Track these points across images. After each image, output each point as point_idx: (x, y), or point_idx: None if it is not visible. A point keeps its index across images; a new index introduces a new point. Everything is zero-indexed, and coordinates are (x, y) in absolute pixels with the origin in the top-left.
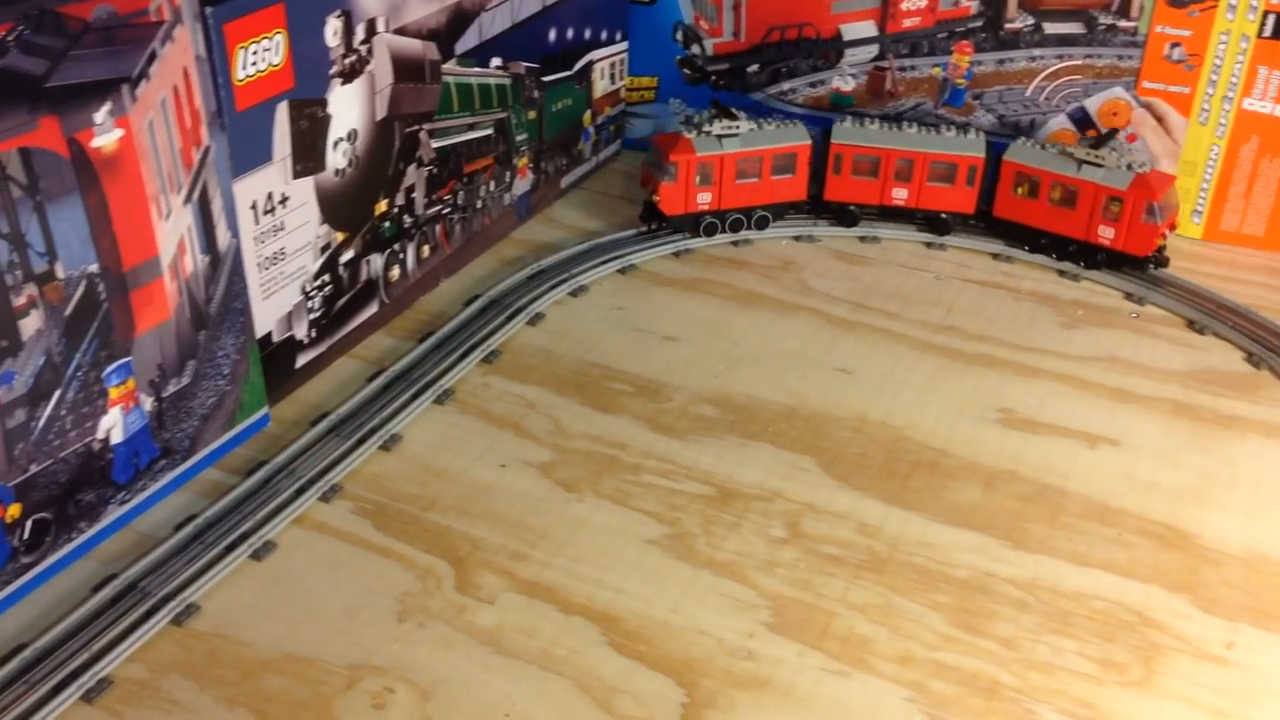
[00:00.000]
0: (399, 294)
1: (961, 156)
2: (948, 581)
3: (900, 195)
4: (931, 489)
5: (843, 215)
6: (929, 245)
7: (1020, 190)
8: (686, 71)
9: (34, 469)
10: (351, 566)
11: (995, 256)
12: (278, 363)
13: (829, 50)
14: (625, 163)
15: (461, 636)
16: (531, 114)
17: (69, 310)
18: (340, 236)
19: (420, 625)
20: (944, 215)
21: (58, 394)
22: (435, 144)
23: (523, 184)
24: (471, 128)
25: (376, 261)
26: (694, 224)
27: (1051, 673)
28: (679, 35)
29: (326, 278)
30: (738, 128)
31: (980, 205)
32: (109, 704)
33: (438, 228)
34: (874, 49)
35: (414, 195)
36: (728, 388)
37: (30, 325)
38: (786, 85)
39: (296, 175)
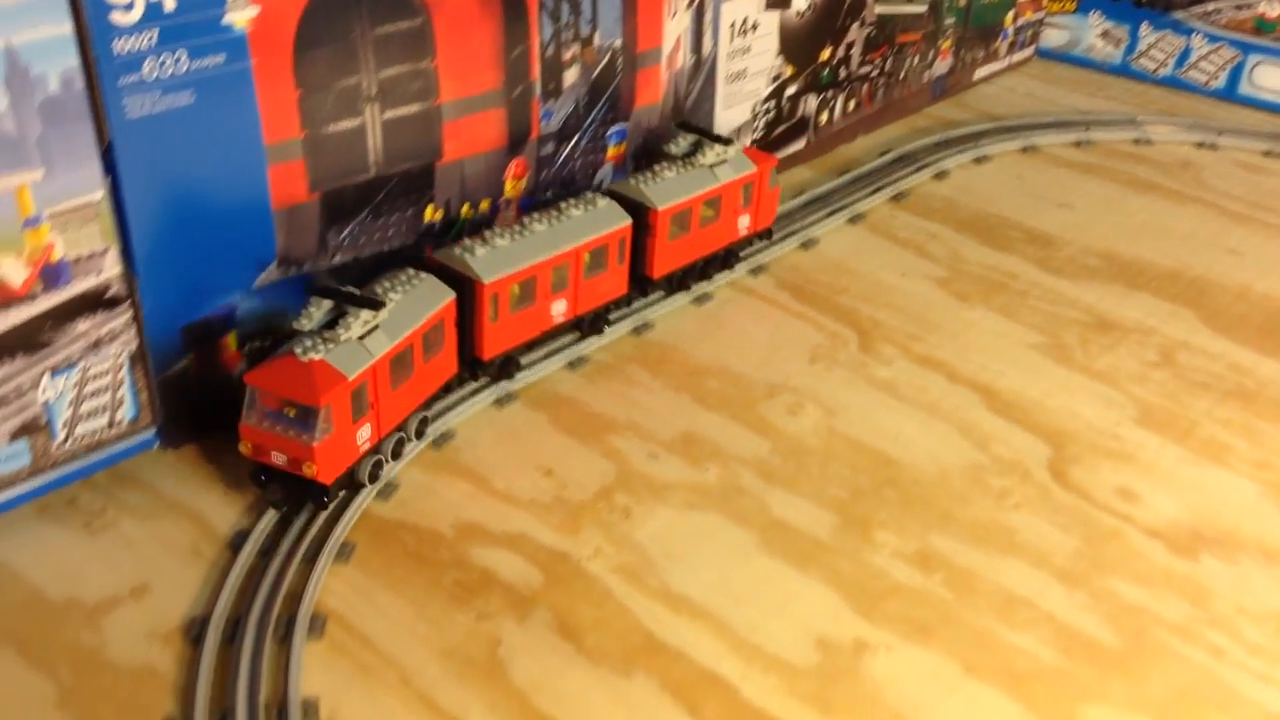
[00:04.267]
0: (823, 138)
1: (611, 233)
2: None
3: (559, 310)
4: None
5: (505, 368)
6: None
7: (676, 233)
8: None
9: (549, 194)
10: (772, 320)
11: None
12: None
13: None
14: (1035, 69)
15: (862, 381)
16: (962, 1)
17: (596, 73)
18: (789, 71)
19: (828, 369)
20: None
21: (575, 138)
22: (879, 9)
23: (942, 65)
24: (910, 1)
25: (811, 102)
26: (351, 478)
27: None
28: None
29: (772, 104)
30: (374, 317)
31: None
32: (585, 373)
33: (864, 87)
34: None
35: (852, 51)
36: (1116, 247)
37: (569, 77)
38: (1211, 6)
39: (769, 7)
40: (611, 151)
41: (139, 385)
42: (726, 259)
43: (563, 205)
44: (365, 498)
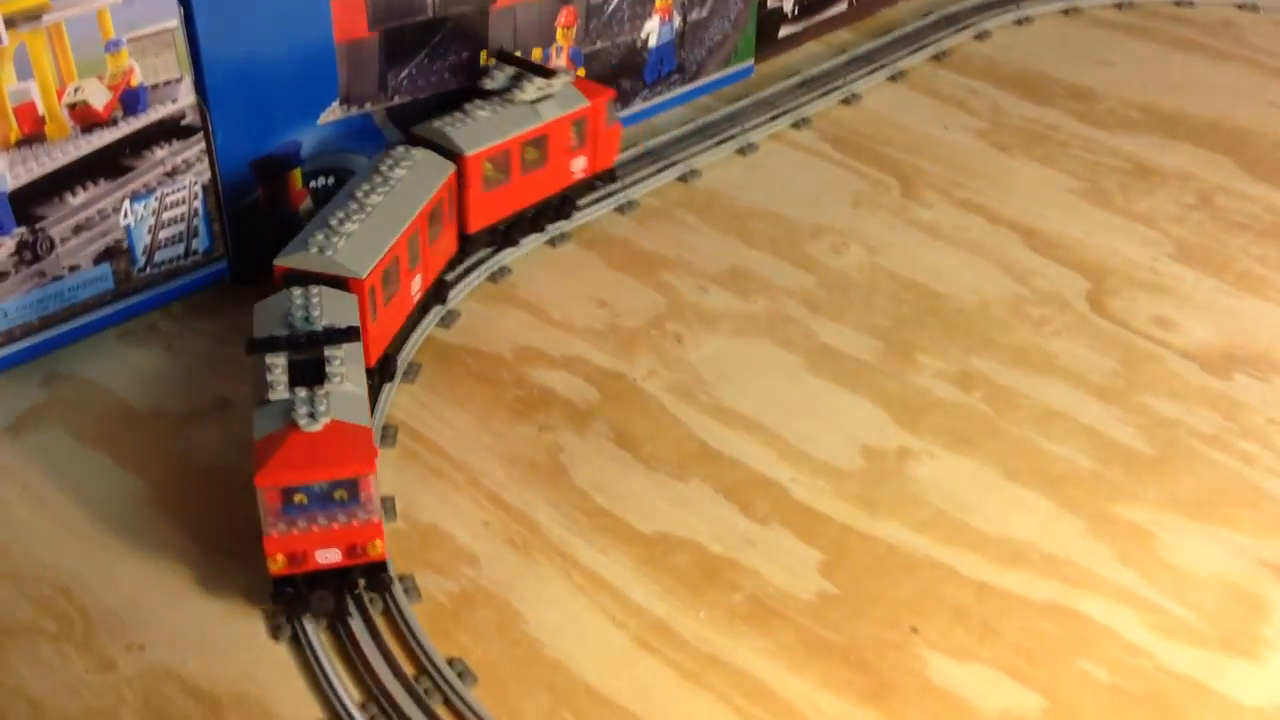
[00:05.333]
0: (865, 1)
1: (441, 187)
2: None
3: (416, 287)
4: None
5: (385, 368)
6: None
7: (493, 182)
8: None
9: (597, 45)
10: (815, 170)
11: None
12: (767, 27)
13: None
14: None
15: (904, 224)
16: None
17: None
18: None
19: (871, 212)
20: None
21: None
22: None
23: None
24: None
25: None
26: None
27: None
28: None
29: None
30: (347, 351)
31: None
32: (636, 216)
33: None
34: None
35: None
36: (1156, 101)
37: None
38: None
39: None
40: (660, 3)
41: (212, 216)
42: (562, 206)
43: (381, 168)
44: (428, 325)
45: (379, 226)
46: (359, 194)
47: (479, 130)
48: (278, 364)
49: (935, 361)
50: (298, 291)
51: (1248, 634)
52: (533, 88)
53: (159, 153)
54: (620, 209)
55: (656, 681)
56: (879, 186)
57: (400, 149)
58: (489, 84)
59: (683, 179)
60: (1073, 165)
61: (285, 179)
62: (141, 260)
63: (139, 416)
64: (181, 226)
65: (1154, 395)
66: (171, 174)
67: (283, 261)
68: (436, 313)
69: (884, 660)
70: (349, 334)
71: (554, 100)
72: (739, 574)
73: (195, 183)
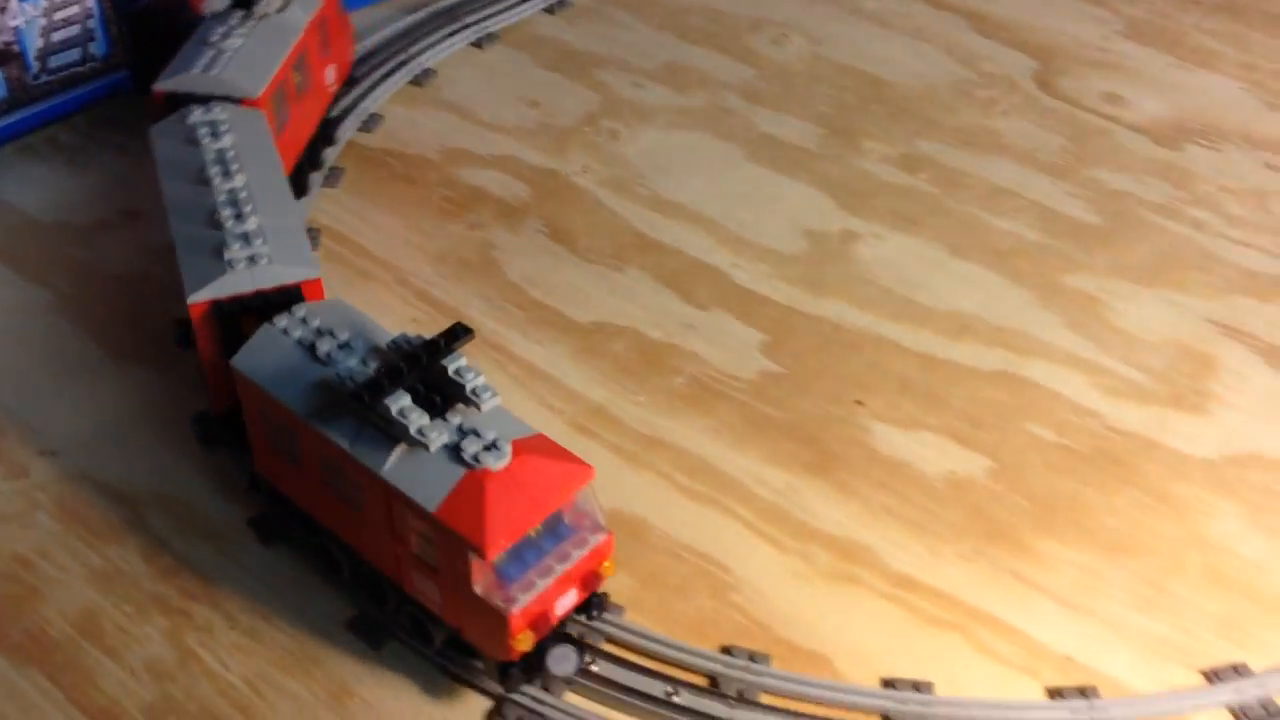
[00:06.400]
0: None
1: (272, 142)
2: None
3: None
4: None
5: None
6: None
7: (281, 123)
8: None
9: None
10: None
11: None
12: None
13: None
14: None
15: (847, 14)
16: None
17: None
18: None
19: (812, 4)
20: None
21: None
22: None
23: None
24: None
25: None
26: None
27: None
28: None
29: None
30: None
31: None
32: (566, 16)
33: None
34: None
35: None
36: None
37: None
38: None
39: None
40: None
41: (108, 19)
42: (328, 134)
43: (199, 140)
44: (349, 129)
45: (274, 214)
46: (214, 180)
47: (251, 62)
48: (407, 406)
49: (880, 146)
50: (284, 321)
51: (1196, 390)
52: (267, 11)
53: None
54: (550, 9)
55: (594, 462)
56: None
57: (198, 111)
58: (215, 4)
59: None
60: None
61: None
62: (35, 66)
63: (41, 228)
64: (76, 29)
65: (1104, 169)
66: None
67: (201, 297)
68: (358, 115)
69: (829, 433)
70: (464, 332)
71: (298, 5)
72: (680, 358)
73: None
